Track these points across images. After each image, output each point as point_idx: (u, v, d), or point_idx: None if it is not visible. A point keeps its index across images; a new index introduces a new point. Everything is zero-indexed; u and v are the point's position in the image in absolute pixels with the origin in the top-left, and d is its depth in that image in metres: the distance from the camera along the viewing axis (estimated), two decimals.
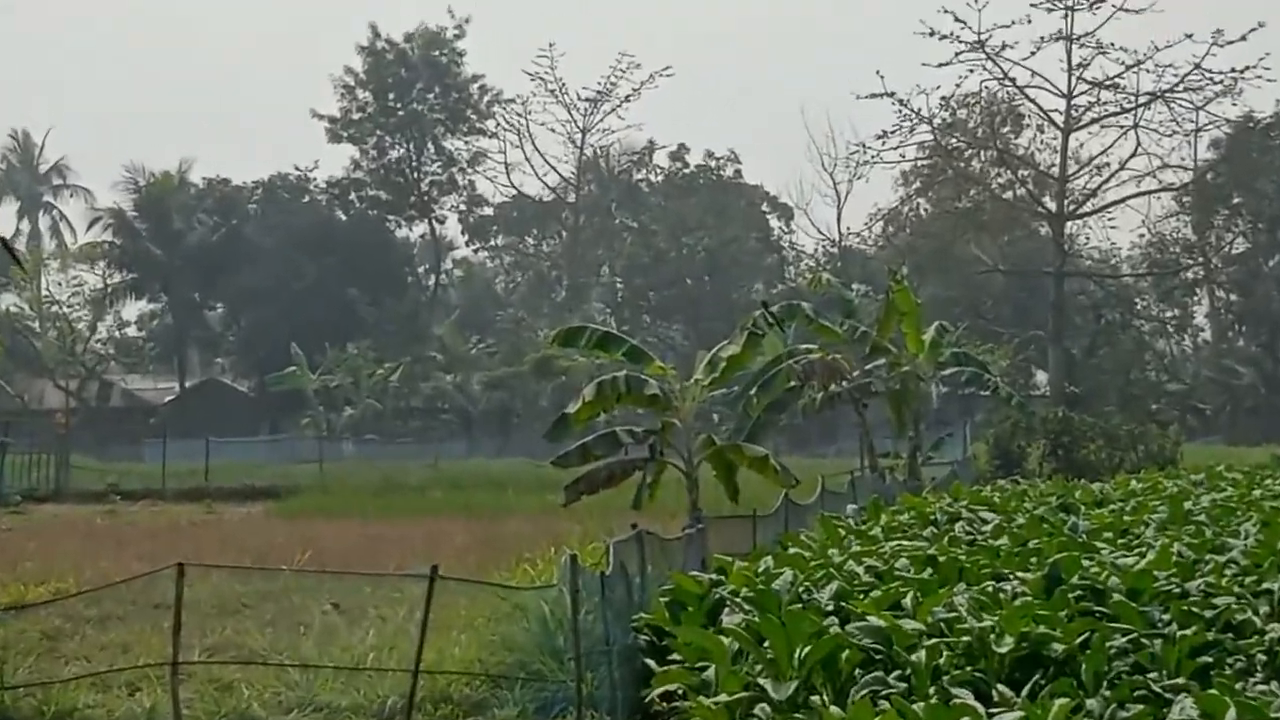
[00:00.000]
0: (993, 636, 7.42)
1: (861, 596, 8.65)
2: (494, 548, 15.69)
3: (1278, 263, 61.20)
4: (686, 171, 68.62)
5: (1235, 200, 59.39)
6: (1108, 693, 6.81)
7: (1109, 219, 59.24)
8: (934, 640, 7.48)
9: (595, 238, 69.01)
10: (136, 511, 27.36)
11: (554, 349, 42.40)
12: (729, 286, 63.83)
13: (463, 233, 69.82)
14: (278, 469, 36.36)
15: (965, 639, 7.50)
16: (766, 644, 7.57)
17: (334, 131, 64.15)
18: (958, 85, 55.46)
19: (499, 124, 66.57)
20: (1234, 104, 51.52)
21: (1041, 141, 55.82)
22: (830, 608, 8.51)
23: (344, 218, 65.19)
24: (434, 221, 67.38)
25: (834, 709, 6.65)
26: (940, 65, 49.79)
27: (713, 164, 68.45)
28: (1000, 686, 7.01)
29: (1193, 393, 57.26)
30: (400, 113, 63.90)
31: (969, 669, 7.27)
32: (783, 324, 21.04)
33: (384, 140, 64.69)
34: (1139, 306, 61.55)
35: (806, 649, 7.34)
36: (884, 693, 7.01)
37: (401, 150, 65.05)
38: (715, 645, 7.86)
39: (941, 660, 7.29)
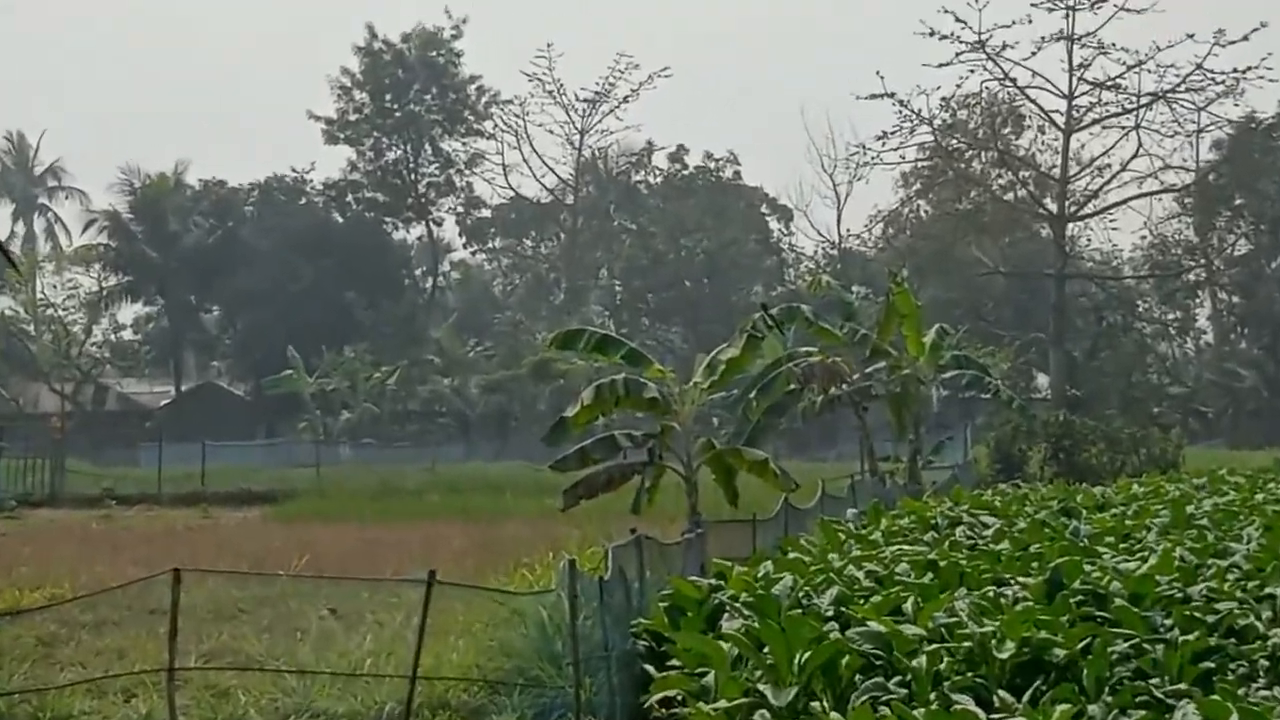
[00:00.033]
0: (994, 642, 7.41)
1: (862, 601, 8.63)
2: (492, 552, 15.64)
3: (1279, 264, 61.18)
4: (685, 173, 68.58)
5: (1237, 201, 59.17)
6: (1109, 698, 6.80)
7: (1110, 220, 59.15)
8: (935, 645, 7.47)
9: (593, 240, 68.97)
10: (132, 516, 27.27)
11: (552, 352, 42.36)
12: (728, 289, 63.80)
13: (460, 235, 69.86)
14: (274, 473, 36.29)
15: (966, 644, 7.48)
16: (766, 649, 7.54)
17: (330, 133, 64.04)
18: (958, 86, 55.52)
19: (497, 125, 66.64)
20: (1236, 104, 51.41)
21: (1042, 142, 55.75)
22: (830, 613, 8.49)
23: (341, 220, 65.12)
24: (431, 223, 67.36)
25: (834, 715, 6.62)
26: (940, 66, 49.73)
27: (712, 165, 68.41)
28: (1001, 692, 7.00)
29: (1195, 396, 57.11)
30: (397, 114, 63.82)
31: (970, 675, 7.26)
32: (782, 326, 21.01)
33: (381, 142, 64.60)
34: (1141, 309, 61.38)
35: (806, 654, 7.32)
36: (884, 699, 7.00)
37: (399, 152, 64.97)
38: (714, 651, 7.83)
39: (942, 666, 7.28)
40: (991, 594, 8.62)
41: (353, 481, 33.10)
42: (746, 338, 15.92)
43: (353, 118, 64.15)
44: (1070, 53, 50.05)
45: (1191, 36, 48.49)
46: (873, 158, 54.69)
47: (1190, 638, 7.41)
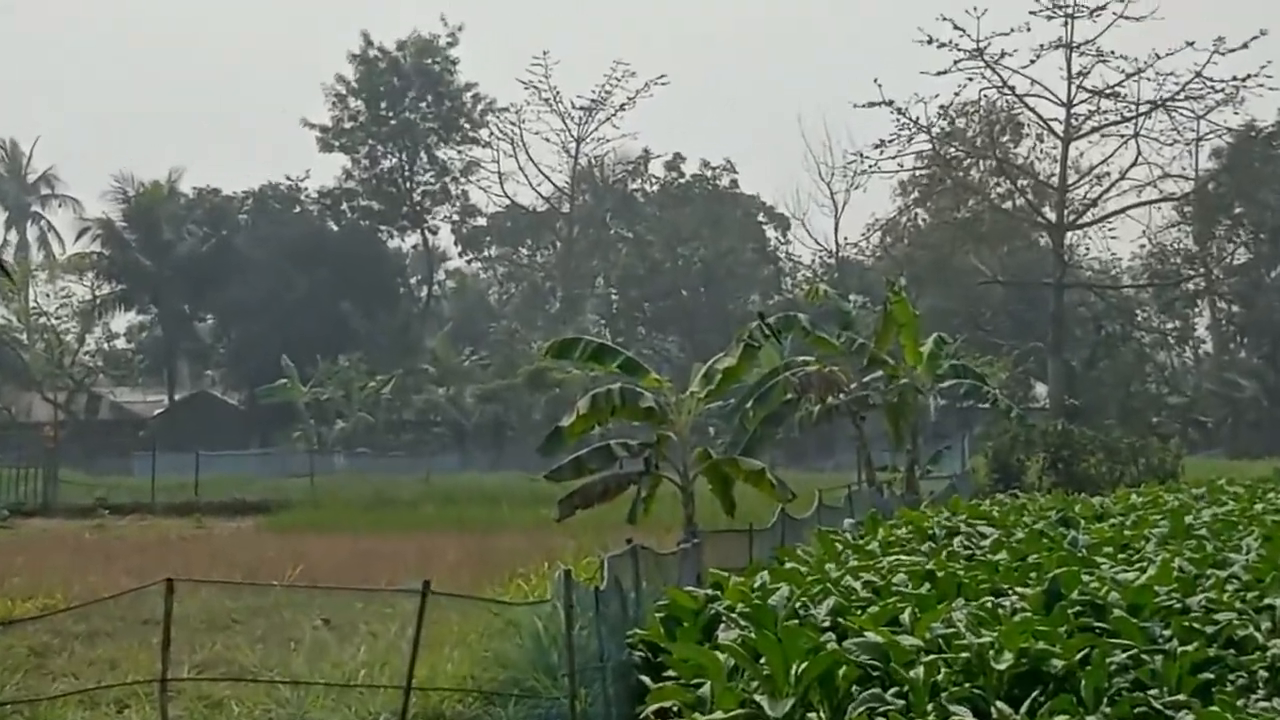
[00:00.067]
0: (991, 653, 7.39)
1: (859, 612, 8.60)
2: (487, 563, 15.60)
3: (1279, 274, 61.10)
4: (682, 181, 68.57)
5: (1237, 210, 59.06)
6: (1108, 710, 6.78)
7: (1109, 229, 59.27)
8: (932, 656, 7.45)
9: (590, 248, 68.93)
10: (125, 526, 27.18)
11: (548, 361, 42.38)
12: (725, 298, 63.78)
13: (456, 243, 69.75)
14: (268, 483, 36.17)
15: (964, 655, 7.46)
16: (763, 660, 7.52)
17: (325, 140, 63.97)
18: (956, 94, 55.33)
19: (492, 133, 66.60)
20: (1236, 113, 51.21)
21: (1041, 151, 55.57)
22: (827, 623, 8.46)
23: (335, 228, 65.05)
24: (427, 232, 67.30)
25: None
26: (939, 73, 49.72)
27: (708, 174, 68.39)
28: (999, 704, 6.98)
29: (1194, 405, 56.96)
30: (392, 121, 63.80)
31: (967, 686, 7.24)
32: (779, 336, 20.92)
33: (376, 149, 64.56)
34: (1140, 318, 61.22)
35: (803, 665, 7.30)
36: (881, 710, 6.99)
37: (394, 160, 64.94)
38: (711, 662, 7.80)
39: (940, 677, 7.26)
40: (989, 604, 8.60)
41: (347, 491, 33.01)
42: (743, 347, 15.90)
43: (347, 125, 64.11)
44: (1069, 60, 50.06)
45: (1191, 44, 48.48)
46: (870, 166, 54.63)
47: (1189, 648, 7.39)
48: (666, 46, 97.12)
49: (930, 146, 54.07)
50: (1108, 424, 40.77)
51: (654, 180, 69.53)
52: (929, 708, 6.93)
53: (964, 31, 48.61)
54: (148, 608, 11.18)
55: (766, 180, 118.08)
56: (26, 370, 55.69)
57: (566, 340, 17.80)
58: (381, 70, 63.63)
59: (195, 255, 60.85)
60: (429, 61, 64.00)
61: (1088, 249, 60.62)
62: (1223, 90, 49.30)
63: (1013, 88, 51.41)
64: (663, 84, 65.38)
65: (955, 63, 49.47)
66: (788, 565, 11.03)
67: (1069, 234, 55.04)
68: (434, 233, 67.87)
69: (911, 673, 7.20)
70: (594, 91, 65.51)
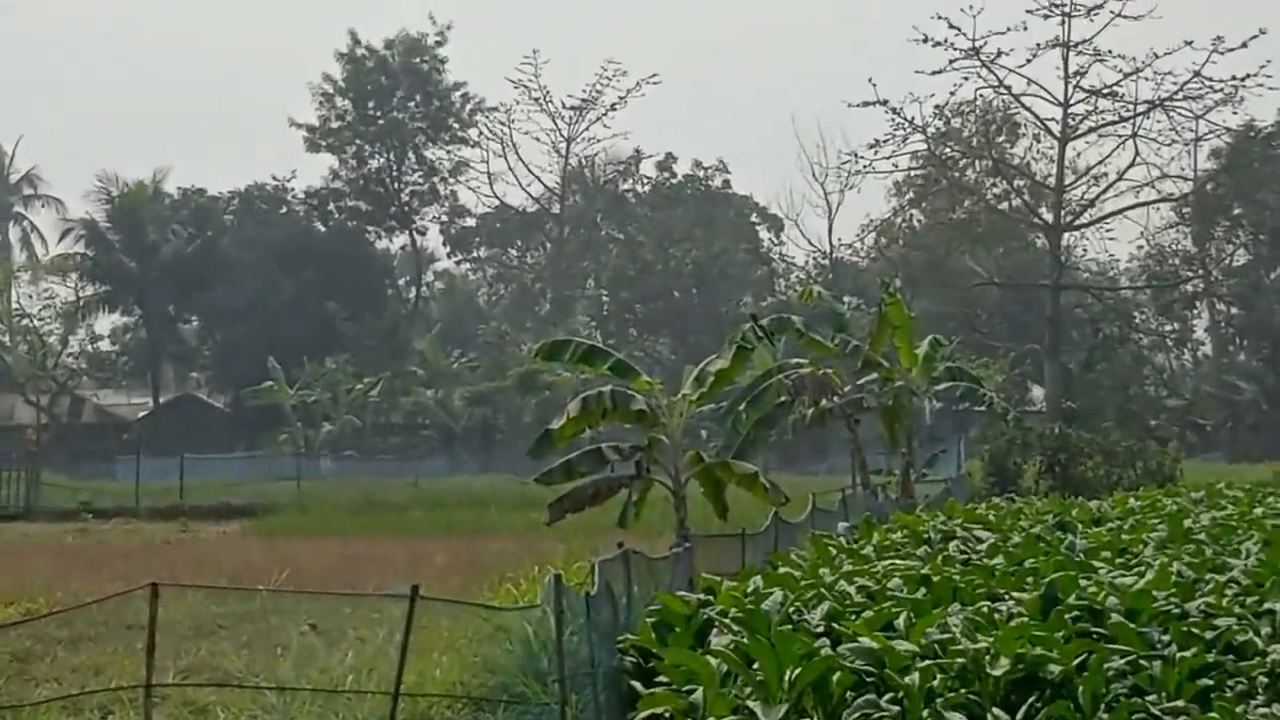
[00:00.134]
0: (988, 658, 7.35)
1: (853, 617, 8.54)
2: (476, 567, 15.49)
3: (1279, 275, 61.10)
4: (674, 182, 68.49)
5: (1236, 211, 59.07)
6: (1105, 716, 6.76)
7: (1107, 230, 59.23)
8: (927, 662, 7.41)
9: (580, 249, 68.81)
10: (109, 530, 26.97)
11: (538, 363, 42.18)
12: (717, 299, 63.72)
13: (444, 244, 69.60)
14: (254, 486, 36.01)
15: (959, 661, 7.42)
16: (756, 666, 7.47)
17: (312, 140, 63.72)
18: (952, 93, 55.41)
19: (482, 133, 66.45)
20: (1234, 113, 51.22)
21: (1038, 151, 55.61)
22: (821, 629, 8.41)
23: (322, 229, 64.82)
24: (415, 233, 67.11)
25: None
26: (934, 73, 49.68)
27: (700, 174, 68.33)
28: (995, 710, 6.95)
29: (1192, 408, 56.88)
30: (380, 121, 63.56)
31: (963, 691, 7.21)
32: (772, 338, 20.89)
33: (363, 149, 64.34)
34: (1138, 320, 61.10)
35: (797, 671, 7.25)
36: (876, 716, 6.97)
37: (381, 160, 64.71)
38: (703, 667, 7.74)
39: (935, 683, 7.23)
40: (985, 610, 8.55)
41: (334, 495, 32.86)
42: (736, 349, 15.83)
43: (335, 125, 63.86)
44: (1066, 60, 49.96)
45: (1189, 44, 48.42)
46: (865, 166, 54.47)
47: (1188, 654, 7.36)
48: (656, 48, 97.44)
49: (925, 147, 53.98)
50: (1105, 427, 40.72)
51: (645, 181, 69.50)
52: (924, 714, 6.89)
53: (960, 30, 48.61)
54: (132, 613, 11.07)
55: (759, 181, 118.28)
56: (9, 372, 55.31)
57: (557, 342, 17.69)
58: (369, 69, 63.40)
59: (180, 256, 60.55)
60: (417, 60, 63.81)
61: (1085, 250, 60.83)
62: (1221, 90, 49.34)
63: (1009, 87, 51.40)
64: (654, 83, 65.33)
65: (951, 62, 49.46)
66: (781, 570, 10.96)
67: (1066, 235, 54.99)
68: (422, 233, 67.83)
69: (906, 679, 7.16)
70: (584, 91, 65.50)
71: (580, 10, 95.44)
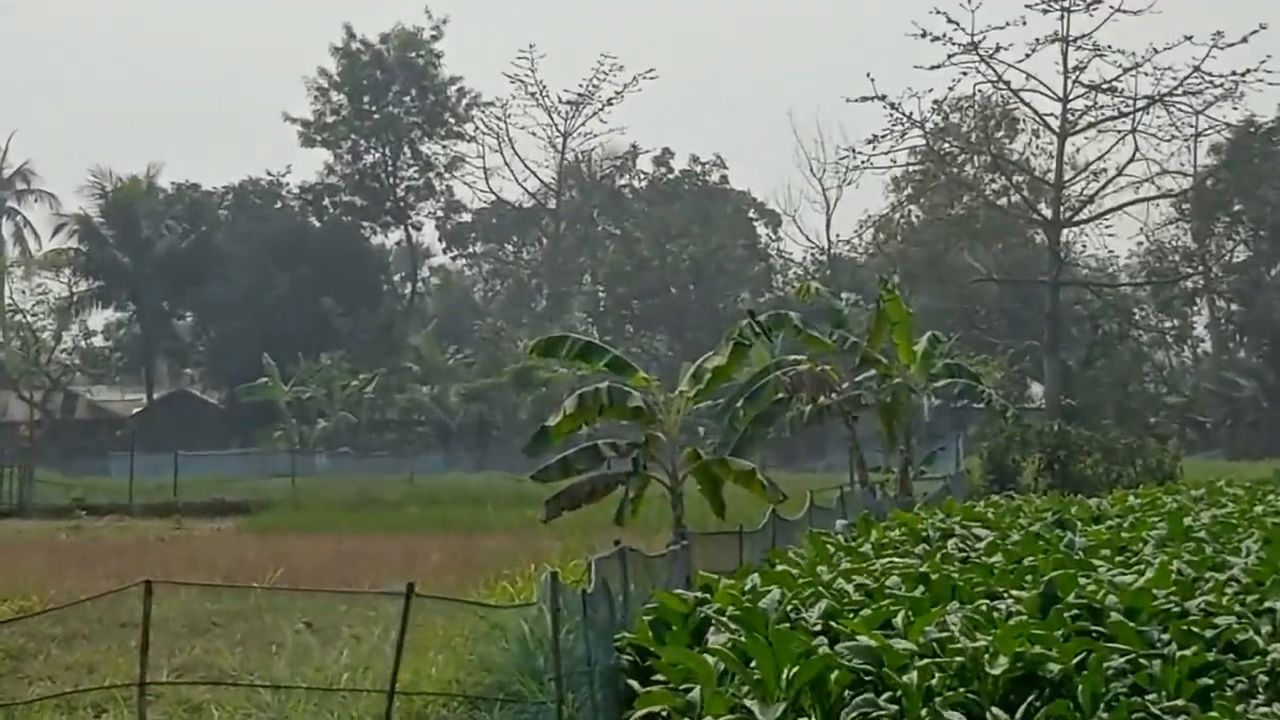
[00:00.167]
0: (986, 657, 7.32)
1: (851, 615, 8.51)
2: (472, 565, 15.48)
3: (1279, 272, 61.00)
4: (671, 177, 68.33)
5: (1236, 207, 58.91)
6: (1105, 715, 6.74)
7: (1106, 226, 58.70)
8: (926, 661, 7.39)
9: (577, 245, 68.69)
10: (103, 527, 26.93)
11: (534, 360, 42.17)
12: (715, 295, 63.63)
13: (440, 240, 69.47)
14: (249, 483, 35.95)
15: (958, 659, 7.40)
16: (753, 664, 7.44)
17: (307, 135, 63.45)
18: (950, 88, 54.54)
19: (477, 128, 66.25)
20: (1235, 108, 50.67)
21: (1037, 146, 55.39)
22: (819, 627, 8.38)
23: (317, 224, 64.64)
24: (410, 228, 66.95)
25: None
26: (933, 68, 49.14)
27: (698, 169, 68.12)
28: (994, 709, 6.94)
29: (1192, 405, 56.76)
30: (375, 116, 63.35)
31: (962, 690, 7.19)
32: (770, 334, 20.82)
33: (359, 144, 64.11)
34: (1137, 317, 60.89)
35: (794, 669, 7.23)
36: (874, 715, 6.95)
37: (377, 155, 64.51)
38: (700, 666, 7.71)
39: (934, 681, 7.20)
40: (984, 608, 8.52)
41: (329, 492, 32.83)
42: (733, 345, 15.81)
43: (330, 120, 63.60)
44: (1065, 55, 49.48)
45: (1189, 38, 47.88)
46: (863, 162, 53.90)
47: (1188, 653, 7.34)
48: (653, 42, 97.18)
49: (924, 142, 53.67)
50: (1105, 424, 40.55)
51: (642, 176, 69.33)
52: (923, 713, 6.87)
53: (958, 25, 48.22)
54: (126, 610, 11.05)
55: (757, 177, 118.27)
56: (2, 369, 55.13)
57: (553, 338, 17.67)
58: (364, 64, 63.16)
59: (174, 251, 60.34)
60: (413, 55, 63.61)
61: (1084, 246, 60.61)
62: (1221, 85, 48.90)
63: (1008, 82, 51.00)
64: (650, 78, 65.10)
65: (949, 57, 49.05)
66: (779, 568, 10.94)
67: (1065, 231, 54.74)
68: (418, 229, 67.65)
69: (905, 677, 7.13)
70: (581, 86, 65.31)
71: (576, 5, 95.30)
